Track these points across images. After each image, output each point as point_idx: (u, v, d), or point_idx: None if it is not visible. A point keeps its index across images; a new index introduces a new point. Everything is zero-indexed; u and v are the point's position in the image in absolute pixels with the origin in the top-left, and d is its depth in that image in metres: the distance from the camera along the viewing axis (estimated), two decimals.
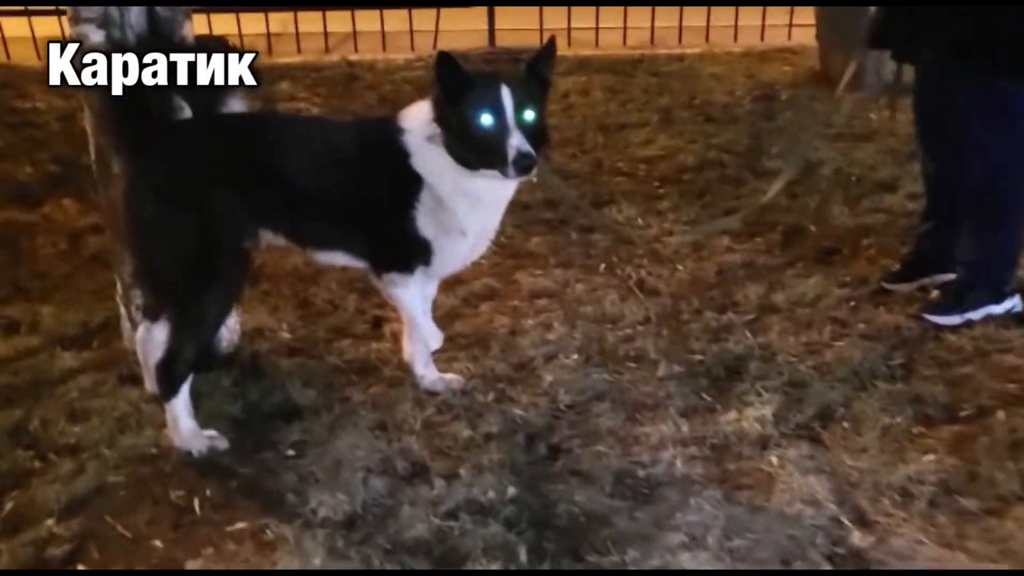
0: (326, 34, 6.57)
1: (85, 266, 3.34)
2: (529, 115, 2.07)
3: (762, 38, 6.60)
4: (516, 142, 2.01)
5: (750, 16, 6.68)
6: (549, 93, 2.22)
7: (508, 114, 2.03)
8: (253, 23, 6.36)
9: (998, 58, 2.53)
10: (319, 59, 6.28)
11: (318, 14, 6.43)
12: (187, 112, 2.21)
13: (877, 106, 4.56)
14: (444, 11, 6.65)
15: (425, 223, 2.16)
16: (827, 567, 1.82)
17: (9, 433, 2.32)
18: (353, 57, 6.25)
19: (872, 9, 2.74)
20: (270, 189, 2.14)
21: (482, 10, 6.64)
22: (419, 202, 2.14)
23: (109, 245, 2.74)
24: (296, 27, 6.50)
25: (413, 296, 2.29)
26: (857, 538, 1.89)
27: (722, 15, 6.66)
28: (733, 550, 1.86)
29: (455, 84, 2.06)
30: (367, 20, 6.53)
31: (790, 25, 6.55)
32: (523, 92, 2.08)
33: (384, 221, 2.17)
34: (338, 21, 6.53)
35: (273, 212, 2.18)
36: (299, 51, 6.43)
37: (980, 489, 2.04)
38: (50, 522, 1.98)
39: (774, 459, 2.16)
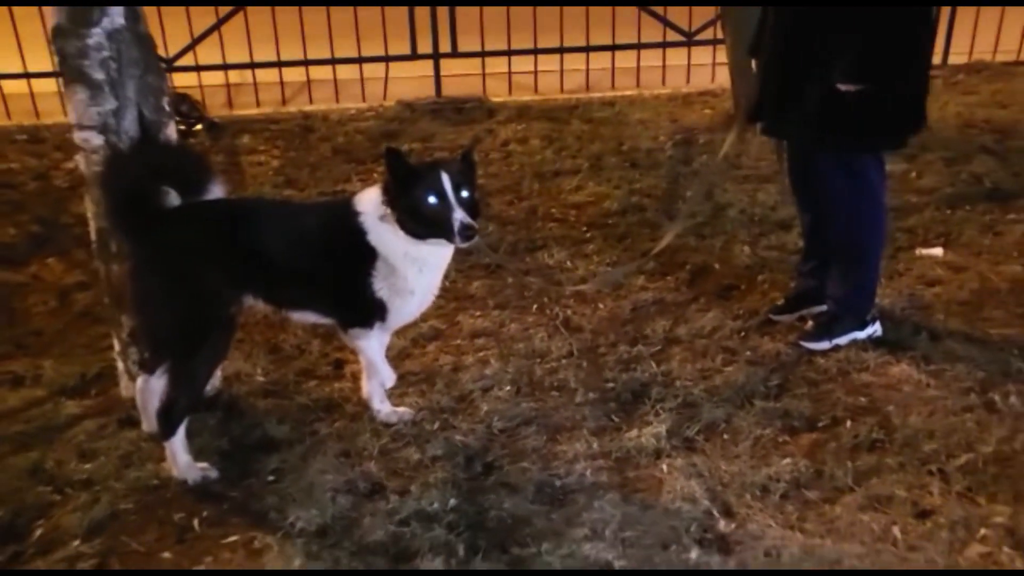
0: (282, 85, 7.00)
1: (76, 322, 3.70)
2: (465, 194, 2.57)
3: (688, 80, 7.12)
4: (459, 216, 2.51)
5: (678, 56, 7.19)
6: (477, 174, 2.73)
7: (449, 195, 2.53)
8: (214, 75, 6.78)
9: (847, 136, 2.98)
10: (276, 111, 6.62)
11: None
12: (175, 199, 2.68)
13: (775, 151, 5.11)
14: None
15: (380, 287, 2.64)
16: (696, 550, 2.32)
17: (29, 473, 2.72)
18: (308, 108, 6.62)
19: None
20: (251, 264, 2.60)
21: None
22: (375, 270, 2.62)
23: (104, 307, 3.14)
24: (254, 79, 6.93)
25: (372, 346, 2.78)
26: (722, 525, 2.41)
27: (652, 56, 7.15)
28: (625, 539, 2.36)
29: (403, 174, 2.55)
30: (321, 69, 6.90)
31: (714, 65, 7.03)
32: (459, 176, 2.57)
33: (347, 286, 2.64)
34: (294, 71, 6.95)
35: (254, 282, 2.64)
36: (258, 104, 6.86)
37: (822, 484, 2.57)
38: (76, 543, 2.42)
39: (664, 467, 2.66)
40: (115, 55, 2.59)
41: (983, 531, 2.37)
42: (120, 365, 3.00)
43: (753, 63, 3.29)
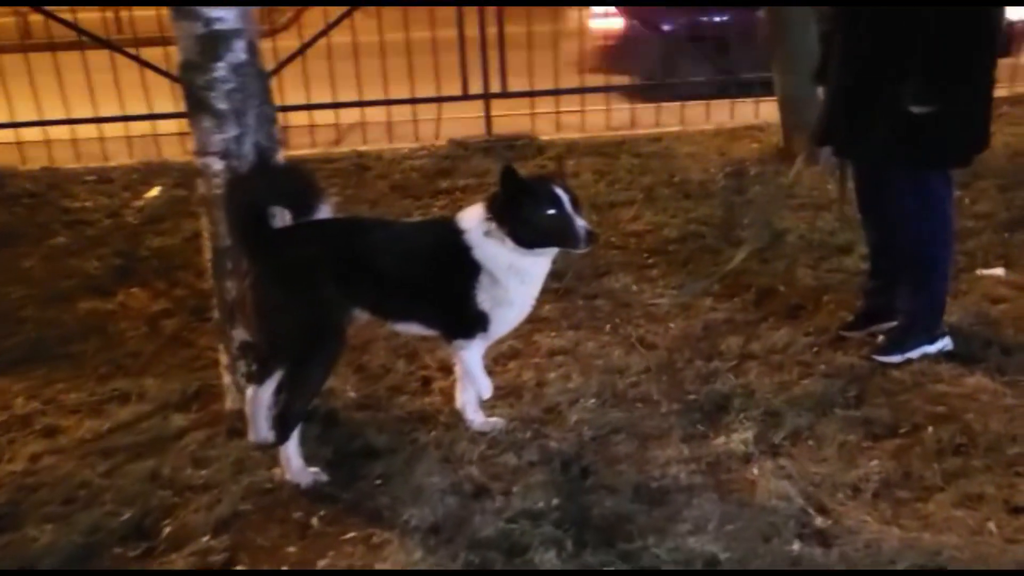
0: (337, 125, 7.26)
1: (168, 345, 3.88)
2: (575, 204, 2.75)
3: (731, 116, 7.30)
4: (581, 223, 2.71)
5: None
6: None
7: (567, 205, 2.71)
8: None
9: (918, 154, 3.13)
10: (330, 151, 6.86)
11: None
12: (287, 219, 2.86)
13: (833, 179, 5.26)
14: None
15: (484, 299, 2.80)
16: (797, 543, 2.43)
17: (148, 479, 2.87)
18: (361, 148, 6.84)
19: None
20: (361, 278, 2.77)
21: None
22: (479, 283, 2.78)
23: (219, 325, 3.30)
24: (311, 120, 7.20)
25: (473, 356, 2.93)
26: (819, 522, 2.51)
27: None
28: (727, 533, 2.47)
29: (520, 189, 2.72)
30: (373, 111, 7.17)
31: (757, 101, 7.22)
32: (567, 189, 2.76)
33: (452, 299, 2.81)
34: (347, 113, 7.22)
35: (364, 296, 2.81)
36: (313, 144, 7.12)
37: (911, 484, 2.67)
38: (205, 539, 2.56)
39: (755, 470, 2.78)
40: (239, 87, 2.79)
41: None
42: (227, 379, 3.16)
43: (819, 90, 3.45)
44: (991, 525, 2.46)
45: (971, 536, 2.43)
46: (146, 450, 3.05)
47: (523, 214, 2.70)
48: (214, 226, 2.93)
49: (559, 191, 2.72)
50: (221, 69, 2.76)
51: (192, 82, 2.77)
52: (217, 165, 2.85)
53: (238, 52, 2.78)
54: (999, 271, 4.09)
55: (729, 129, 6.96)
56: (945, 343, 3.42)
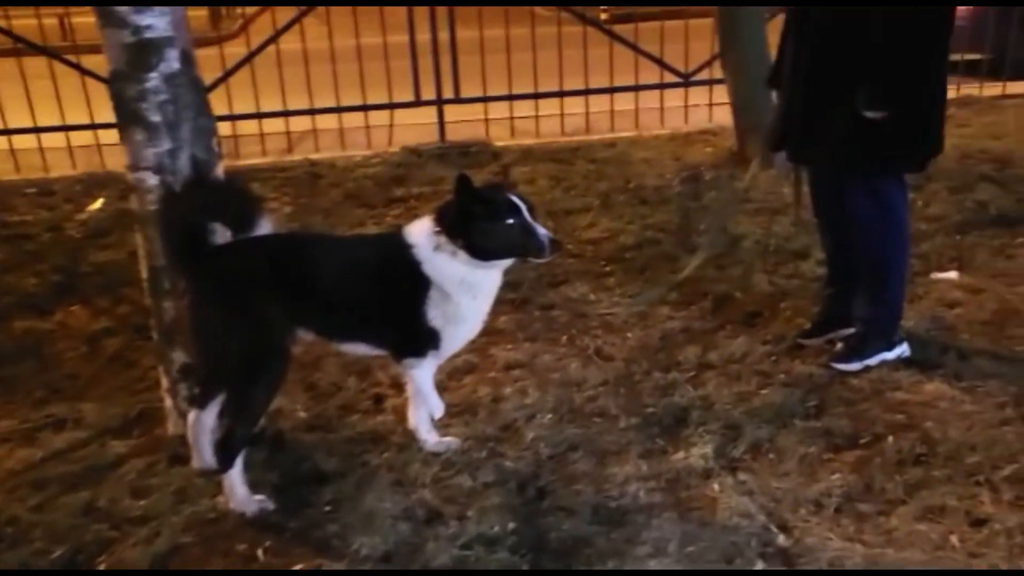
0: (288, 134, 7.12)
1: (108, 366, 3.71)
2: (532, 212, 2.68)
3: (686, 120, 7.31)
4: (543, 231, 2.63)
5: (675, 97, 7.39)
6: None
7: (526, 214, 2.64)
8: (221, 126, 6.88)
9: (873, 159, 3.10)
10: (282, 159, 6.76)
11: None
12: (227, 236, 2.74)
13: (788, 183, 5.24)
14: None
15: (434, 315, 2.69)
16: (760, 563, 2.36)
17: (82, 511, 2.71)
18: (314, 156, 6.74)
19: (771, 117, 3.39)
20: (304, 297, 2.65)
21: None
22: (429, 299, 2.67)
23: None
24: (261, 129, 7.05)
25: (424, 375, 2.82)
26: (781, 539, 2.45)
27: (649, 98, 7.35)
28: (689, 555, 2.40)
29: (477, 200, 2.63)
30: (325, 118, 7.07)
31: (710, 105, 7.22)
32: (523, 198, 2.69)
33: (401, 317, 2.70)
34: (298, 120, 7.07)
35: (308, 315, 2.69)
36: (264, 152, 6.97)
37: (873, 497, 2.62)
38: None
39: (716, 486, 2.71)
40: (172, 98, 2.66)
41: None
42: (168, 402, 3.02)
43: (773, 95, 3.41)
44: (954, 539, 2.42)
45: (934, 551, 2.38)
46: (81, 480, 2.89)
47: (480, 225, 2.61)
48: (149, 244, 2.80)
49: (516, 199, 2.64)
50: (153, 79, 2.63)
51: (122, 93, 2.64)
52: (151, 180, 2.72)
53: (171, 61, 2.65)
54: (953, 274, 4.09)
55: (684, 134, 6.95)
56: (903, 349, 3.40)
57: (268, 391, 2.66)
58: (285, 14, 7.22)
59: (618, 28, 7.60)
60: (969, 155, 5.82)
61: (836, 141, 3.09)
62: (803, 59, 3.15)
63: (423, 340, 2.73)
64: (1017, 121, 6.67)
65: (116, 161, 6.30)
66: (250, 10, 11.94)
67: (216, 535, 2.60)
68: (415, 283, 2.66)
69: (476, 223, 2.61)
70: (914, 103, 2.98)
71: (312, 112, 7.03)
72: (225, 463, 2.64)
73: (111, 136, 6.26)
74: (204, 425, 2.81)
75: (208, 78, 6.60)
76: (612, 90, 7.31)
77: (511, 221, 2.62)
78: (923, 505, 2.55)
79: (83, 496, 2.80)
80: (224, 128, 6.87)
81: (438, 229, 2.65)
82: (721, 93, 6.63)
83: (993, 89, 7.62)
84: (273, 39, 6.92)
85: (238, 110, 6.88)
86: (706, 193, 5.53)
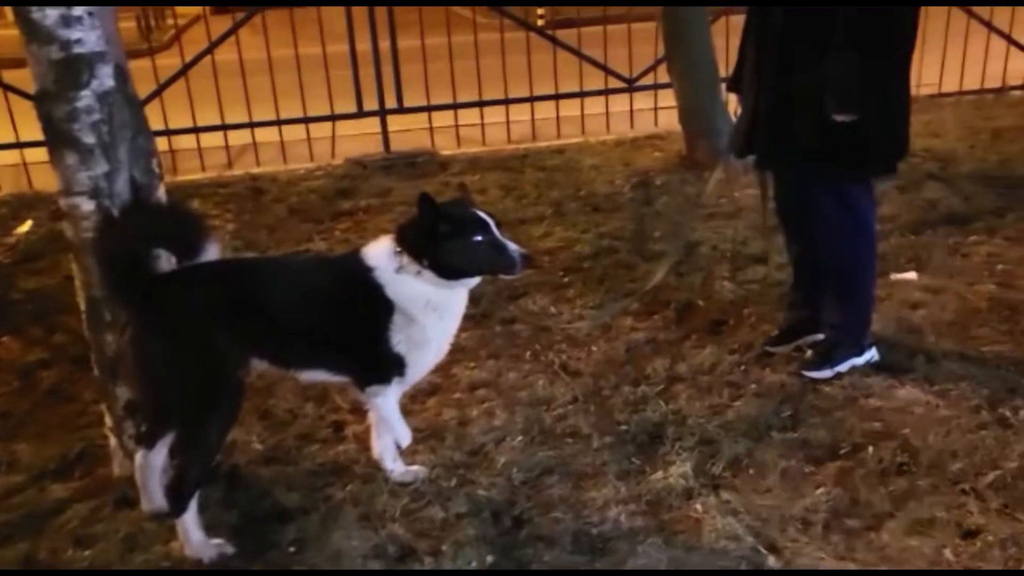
0: (228, 148, 6.87)
1: (44, 401, 3.49)
2: (499, 228, 2.56)
3: (632, 125, 7.27)
4: (513, 246, 2.52)
5: (620, 103, 7.36)
6: None
7: (495, 230, 2.52)
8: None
9: (842, 165, 3.03)
10: (222, 174, 6.54)
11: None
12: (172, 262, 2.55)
13: (740, 185, 5.22)
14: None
15: (399, 340, 2.55)
16: None
17: (21, 564, 2.52)
18: (255, 171, 6.54)
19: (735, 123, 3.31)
20: (256, 325, 2.48)
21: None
22: (392, 324, 2.53)
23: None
24: (198, 144, 6.80)
25: (389, 402, 2.67)
26: (772, 562, 2.36)
27: (595, 103, 7.30)
28: None
29: (442, 218, 2.49)
30: (266, 131, 6.85)
31: (655, 109, 7.22)
32: (487, 212, 2.57)
33: (363, 343, 2.55)
34: (237, 133, 6.86)
35: (262, 343, 2.52)
36: (203, 168, 6.72)
37: (860, 511, 2.55)
38: None
39: (699, 506, 2.61)
40: (107, 118, 2.47)
41: None
42: (113, 441, 2.82)
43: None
44: (948, 553, 2.35)
45: (930, 567, 2.31)
46: (18, 531, 2.68)
47: (448, 244, 2.48)
48: (86, 274, 2.60)
49: (483, 215, 2.52)
50: (85, 98, 2.43)
51: (51, 114, 2.43)
52: (86, 206, 2.52)
53: (104, 79, 2.46)
54: (912, 275, 4.09)
55: (631, 139, 6.91)
56: (872, 354, 3.35)
57: (222, 427, 2.48)
58: (219, 24, 6.98)
59: (561, 33, 7.51)
60: (913, 153, 5.84)
61: (804, 147, 3.02)
62: (765, 62, 3.08)
63: (387, 367, 2.58)
64: (955, 119, 6.76)
65: (44, 180, 6.08)
66: (182, 20, 11.58)
67: None
68: (377, 308, 2.51)
69: (443, 242, 2.48)
70: (882, 104, 2.93)
71: (252, 125, 6.81)
72: (178, 508, 2.46)
73: (37, 154, 6.05)
74: (153, 466, 2.62)
75: (141, 92, 6.42)
76: (557, 97, 7.23)
77: (479, 238, 2.50)
78: (912, 518, 2.49)
79: (21, 548, 2.60)
80: (161, 143, 6.54)
81: (399, 249, 2.50)
82: (666, 97, 6.64)
83: (929, 88, 7.73)
84: (209, 50, 6.68)
85: (174, 124, 6.62)
86: (658, 199, 5.49)
